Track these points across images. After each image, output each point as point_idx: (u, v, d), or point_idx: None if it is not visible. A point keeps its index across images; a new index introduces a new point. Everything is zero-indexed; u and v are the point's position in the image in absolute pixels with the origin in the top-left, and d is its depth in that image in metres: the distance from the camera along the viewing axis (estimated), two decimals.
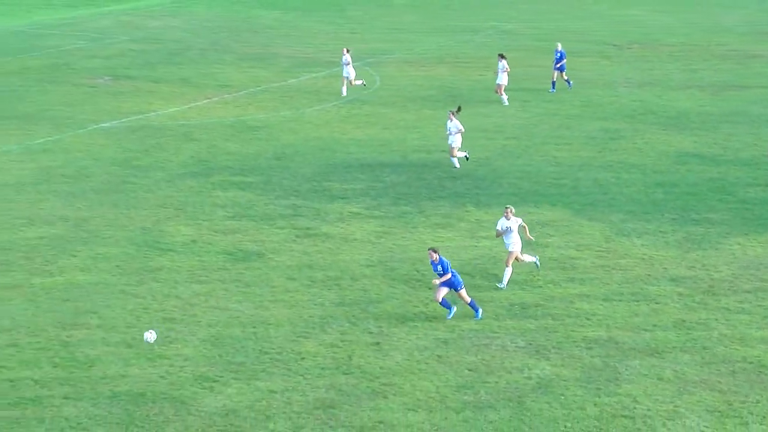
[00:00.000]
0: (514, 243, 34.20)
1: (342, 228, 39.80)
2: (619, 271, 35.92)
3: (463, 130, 46.78)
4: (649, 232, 39.54)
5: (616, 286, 34.67)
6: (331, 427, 26.19)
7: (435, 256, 31.70)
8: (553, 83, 61.75)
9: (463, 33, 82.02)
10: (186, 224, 40.05)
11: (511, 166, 47.76)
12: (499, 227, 34.43)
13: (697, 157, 49.12)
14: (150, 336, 29.48)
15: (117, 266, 36.01)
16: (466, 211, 41.46)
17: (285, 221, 40.43)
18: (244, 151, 49.83)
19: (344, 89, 60.16)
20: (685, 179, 45.86)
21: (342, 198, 43.16)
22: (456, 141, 46.66)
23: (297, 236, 38.95)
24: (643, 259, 36.95)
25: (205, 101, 59.30)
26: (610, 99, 60.64)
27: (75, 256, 36.92)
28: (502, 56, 59.37)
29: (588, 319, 32.13)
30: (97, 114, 56.23)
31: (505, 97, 58.90)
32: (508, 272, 34.34)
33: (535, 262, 35.31)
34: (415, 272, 35.54)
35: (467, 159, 47.18)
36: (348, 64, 60.11)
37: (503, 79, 58.90)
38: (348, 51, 60.75)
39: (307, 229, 39.69)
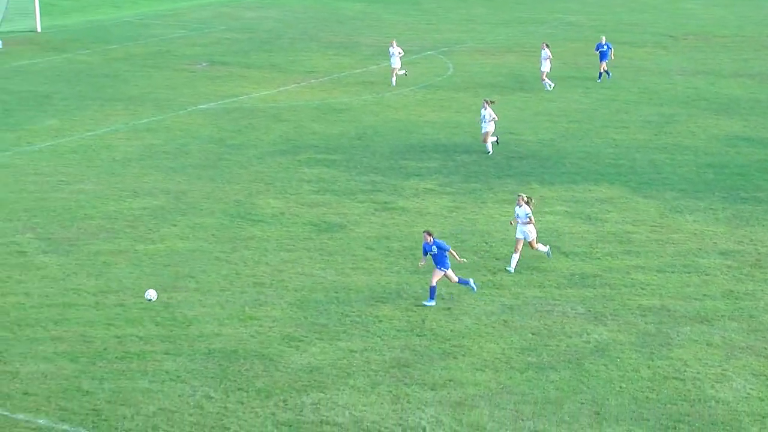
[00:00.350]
0: (529, 231, 33.21)
1: (417, 202, 39.79)
2: (672, 244, 35.64)
3: (496, 118, 46.30)
4: (700, 209, 39.13)
5: (669, 258, 34.41)
6: (405, 384, 26.25)
7: (429, 238, 30.60)
8: (607, 72, 60.80)
9: (530, 24, 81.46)
10: (275, 197, 40.24)
11: (573, 147, 47.46)
12: (515, 215, 33.50)
13: (746, 140, 48.49)
14: (151, 294, 29.13)
15: (212, 235, 36.28)
16: (531, 188, 41.23)
17: (365, 196, 40.48)
18: (328, 131, 49.91)
19: (393, 79, 59.34)
20: (734, 160, 45.31)
21: (417, 175, 43.13)
22: (489, 128, 46.06)
23: (376, 210, 39.00)
24: (695, 234, 36.60)
25: (293, 85, 59.44)
26: (666, 86, 59.97)
27: (175, 225, 37.25)
28: (546, 45, 58.95)
29: (643, 289, 31.93)
30: (195, 97, 56.58)
31: (547, 81, 58.48)
32: (515, 258, 33.22)
33: (547, 252, 33.96)
34: (484, 244, 35.48)
35: (497, 143, 46.76)
36: (394, 55, 58.91)
37: (546, 66, 58.48)
38: (396, 43, 60.04)
39: (386, 203, 39.72)
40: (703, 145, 47.75)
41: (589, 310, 30.44)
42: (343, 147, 47.17)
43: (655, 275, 32.98)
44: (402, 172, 43.45)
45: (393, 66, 59.42)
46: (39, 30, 76.69)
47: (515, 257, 33.21)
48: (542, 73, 58.73)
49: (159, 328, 29.12)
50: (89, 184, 41.71)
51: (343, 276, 32.83)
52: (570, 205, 39.52)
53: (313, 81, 60.74)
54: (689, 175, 43.31)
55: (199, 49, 70.67)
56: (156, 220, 37.72)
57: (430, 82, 60.51)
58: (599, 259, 34.37)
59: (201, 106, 54.48)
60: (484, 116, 45.89)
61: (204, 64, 65.57)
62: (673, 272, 33.22)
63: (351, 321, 29.67)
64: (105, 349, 27.89)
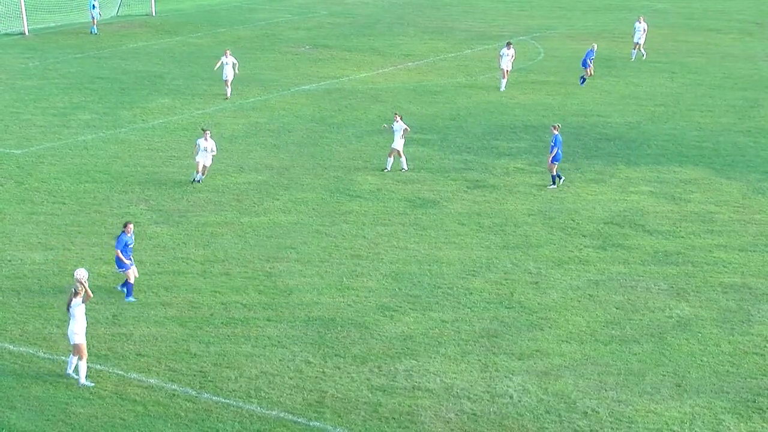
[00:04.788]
0: (77, 333, 24.26)
1: (507, 181, 39.58)
2: (754, 224, 35.06)
3: (215, 152, 38.93)
4: None
5: (751, 238, 33.85)
6: (493, 353, 26.19)
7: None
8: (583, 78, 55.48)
9: (619, 11, 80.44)
10: (372, 174, 40.29)
11: (659, 129, 46.83)
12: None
13: None
14: (80, 274, 24.83)
15: (313, 209, 36.46)
16: (617, 169, 40.82)
17: (458, 174, 40.37)
18: (423, 112, 49.81)
19: (229, 90, 52.18)
20: None
21: (508, 155, 42.89)
22: (207, 161, 38.52)
23: (468, 187, 38.88)
24: None
25: (390, 68, 59.40)
26: (751, 71, 58.89)
27: (277, 199, 37.49)
28: (509, 44, 54.30)
29: (724, 267, 31.46)
30: (298, 78, 56.81)
31: (504, 81, 54.15)
32: (74, 363, 24.55)
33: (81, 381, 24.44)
34: (571, 221, 35.20)
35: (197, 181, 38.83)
36: (227, 65, 51.60)
37: (506, 64, 53.61)
38: (229, 53, 52.15)
39: (477, 181, 39.58)
40: None
41: (672, 287, 30.08)
42: (438, 127, 47.06)
43: (737, 254, 32.47)
44: (493, 152, 43.24)
45: (225, 77, 51.82)
46: (154, 14, 77.62)
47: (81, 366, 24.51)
48: (503, 71, 54.11)
49: (261, 296, 29.37)
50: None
51: (436, 250, 32.81)
52: (655, 186, 39.03)
53: (409, 64, 60.64)
54: None
55: (303, 32, 70.93)
56: (260, 194, 38.00)
57: (522, 65, 60.03)
58: (682, 237, 33.92)
59: (303, 87, 54.70)
60: (205, 148, 38.42)
61: (307, 47, 65.80)
62: (754, 251, 32.69)
63: (443, 292, 29.66)
64: (211, 314, 28.22)
